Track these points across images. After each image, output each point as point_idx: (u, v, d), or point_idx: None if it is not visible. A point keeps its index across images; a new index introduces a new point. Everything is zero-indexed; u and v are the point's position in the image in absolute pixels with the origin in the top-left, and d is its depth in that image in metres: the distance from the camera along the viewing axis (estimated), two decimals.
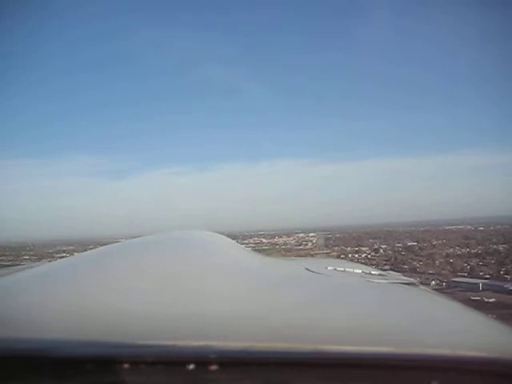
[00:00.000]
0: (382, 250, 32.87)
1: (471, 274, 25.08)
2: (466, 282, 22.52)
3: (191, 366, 0.42)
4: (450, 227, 46.69)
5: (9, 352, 0.44)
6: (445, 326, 0.60)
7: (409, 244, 35.29)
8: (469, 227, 44.18)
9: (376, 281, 0.99)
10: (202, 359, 0.43)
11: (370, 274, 1.09)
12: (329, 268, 1.08)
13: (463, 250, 32.17)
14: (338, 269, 1.08)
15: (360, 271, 1.11)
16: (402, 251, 32.48)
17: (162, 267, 0.81)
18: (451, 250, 32.72)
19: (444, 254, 31.19)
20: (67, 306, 0.57)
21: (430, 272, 25.62)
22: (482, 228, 42.67)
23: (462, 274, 25.49)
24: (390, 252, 32.27)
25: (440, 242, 35.77)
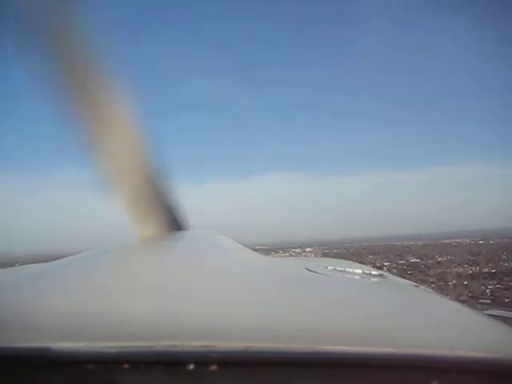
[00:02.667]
0: (385, 269, 29.71)
1: (495, 301, 22.19)
2: (503, 317, 19.19)
3: (191, 366, 0.41)
4: (449, 241, 44.08)
5: (8, 352, 0.44)
6: (445, 326, 0.60)
7: (412, 261, 32.27)
8: (467, 241, 41.71)
9: (376, 281, 0.96)
10: (202, 359, 0.42)
11: (370, 274, 1.06)
12: (329, 268, 1.06)
13: (473, 269, 29.38)
14: (338, 268, 1.06)
15: (360, 271, 1.07)
16: (408, 270, 29.31)
17: (162, 267, 0.79)
18: (460, 268, 29.87)
19: (454, 273, 28.24)
20: (67, 306, 0.56)
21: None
22: (481, 242, 40.25)
23: (485, 300, 22.62)
24: (394, 271, 29.02)
25: (445, 258, 32.92)
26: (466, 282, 25.87)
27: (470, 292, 23.61)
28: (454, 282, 26.06)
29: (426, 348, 0.45)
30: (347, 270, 1.07)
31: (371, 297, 0.76)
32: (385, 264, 30.93)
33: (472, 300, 22.13)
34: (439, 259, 32.58)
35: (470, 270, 29.16)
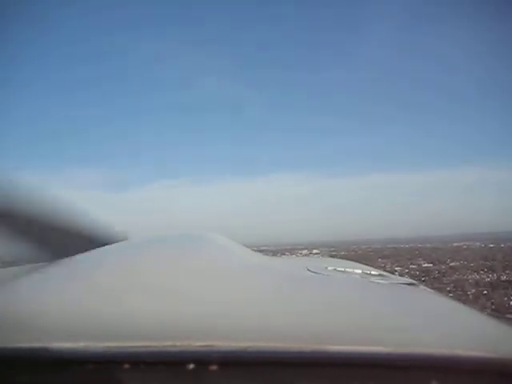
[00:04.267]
0: (397, 274, 27.72)
1: None
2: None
3: (191, 366, 0.42)
4: (459, 244, 42.49)
5: (9, 353, 0.44)
6: (445, 326, 0.59)
7: (424, 266, 30.46)
8: (478, 244, 40.16)
9: (376, 281, 0.96)
10: (202, 359, 0.42)
11: (370, 274, 1.04)
12: (329, 268, 1.04)
13: (491, 276, 27.51)
14: (338, 269, 1.04)
15: (360, 271, 1.05)
16: (421, 276, 27.36)
17: (162, 267, 0.78)
18: (476, 275, 28.00)
19: (471, 281, 26.37)
20: (67, 306, 0.56)
21: None
22: (492, 245, 38.74)
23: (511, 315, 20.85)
24: (406, 277, 27.15)
25: (458, 263, 31.08)
26: (485, 292, 23.92)
27: (493, 304, 21.61)
28: (473, 291, 24.12)
29: (425, 348, 0.44)
30: (347, 270, 1.03)
31: (371, 297, 0.76)
32: (396, 269, 29.07)
33: (497, 313, 20.27)
34: (452, 264, 30.79)
35: (488, 277, 27.25)
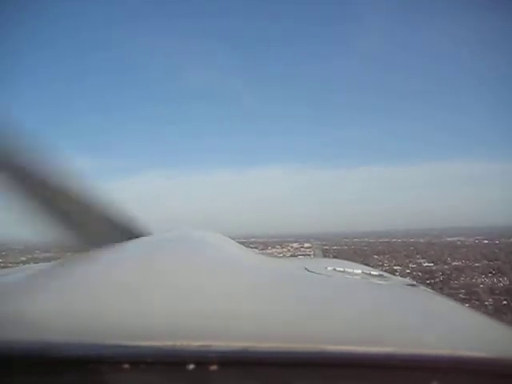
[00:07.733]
0: (398, 274, 23.80)
1: None
2: None
3: (191, 366, 0.41)
4: (452, 239, 39.56)
5: (8, 352, 0.44)
6: (445, 326, 0.60)
7: (425, 265, 26.79)
8: (471, 239, 37.40)
9: (376, 281, 0.96)
10: (202, 359, 0.42)
11: (370, 274, 1.06)
12: (329, 268, 1.06)
13: (503, 281, 23.99)
14: (337, 269, 1.06)
15: (360, 271, 1.07)
16: (425, 278, 23.57)
17: (162, 267, 0.79)
18: (486, 279, 24.51)
19: (483, 286, 22.78)
20: (67, 305, 0.57)
21: None
22: (486, 241, 36.01)
23: None
24: (408, 279, 23.36)
25: (460, 263, 27.64)
26: (505, 302, 20.36)
27: None
28: (490, 300, 20.47)
29: (426, 348, 0.44)
30: (347, 270, 1.05)
31: (371, 297, 0.76)
32: (395, 268, 25.41)
33: None
34: (454, 264, 27.23)
35: (499, 281, 23.77)
